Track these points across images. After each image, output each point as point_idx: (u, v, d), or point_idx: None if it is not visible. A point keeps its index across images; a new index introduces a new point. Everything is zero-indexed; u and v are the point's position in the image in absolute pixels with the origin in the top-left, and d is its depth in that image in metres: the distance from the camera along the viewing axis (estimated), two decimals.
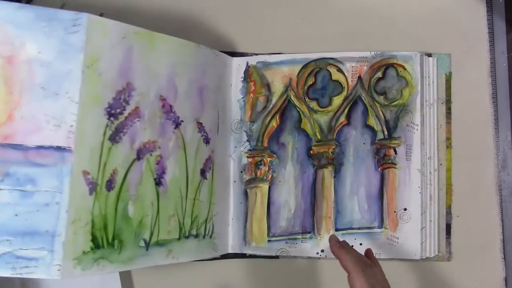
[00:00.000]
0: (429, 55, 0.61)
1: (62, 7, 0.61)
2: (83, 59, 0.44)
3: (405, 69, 0.59)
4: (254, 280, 0.61)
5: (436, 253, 0.59)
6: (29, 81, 0.43)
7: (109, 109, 0.46)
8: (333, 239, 0.49)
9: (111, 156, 0.46)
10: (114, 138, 0.47)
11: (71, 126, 0.43)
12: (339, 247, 0.47)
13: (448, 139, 0.60)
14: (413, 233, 0.58)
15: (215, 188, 0.57)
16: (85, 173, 0.44)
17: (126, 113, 0.47)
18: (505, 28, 0.62)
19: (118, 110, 0.47)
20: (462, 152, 0.61)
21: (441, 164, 0.60)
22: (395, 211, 0.58)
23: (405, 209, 0.58)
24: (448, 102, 0.61)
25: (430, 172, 0.59)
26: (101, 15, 0.62)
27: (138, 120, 0.48)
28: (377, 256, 0.57)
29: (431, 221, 0.58)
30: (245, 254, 0.60)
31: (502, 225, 0.60)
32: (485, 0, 0.62)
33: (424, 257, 0.58)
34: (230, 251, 0.59)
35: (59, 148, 0.43)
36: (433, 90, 0.60)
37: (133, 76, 0.48)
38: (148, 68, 0.49)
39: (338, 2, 0.63)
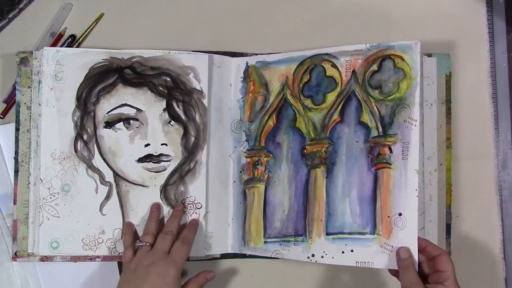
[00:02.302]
0: (429, 55, 0.60)
1: (64, 8, 0.62)
2: None
3: (403, 60, 0.55)
4: (254, 280, 0.61)
5: None
6: None
7: None
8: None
9: None
10: None
11: None
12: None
13: (448, 139, 0.60)
14: (409, 241, 0.51)
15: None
16: None
17: None
18: (505, 28, 0.62)
19: None
20: (462, 152, 0.60)
21: (441, 164, 0.60)
22: (388, 216, 0.53)
23: (400, 214, 0.53)
24: (448, 102, 0.60)
25: (430, 172, 0.59)
26: (101, 15, 0.62)
27: None
28: (369, 266, 0.54)
29: (430, 221, 0.58)
30: (245, 254, 0.59)
31: (502, 225, 0.60)
32: (485, 0, 0.62)
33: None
34: (230, 251, 0.60)
35: None
36: (433, 90, 0.60)
37: None
38: None
39: (337, 2, 0.63)
